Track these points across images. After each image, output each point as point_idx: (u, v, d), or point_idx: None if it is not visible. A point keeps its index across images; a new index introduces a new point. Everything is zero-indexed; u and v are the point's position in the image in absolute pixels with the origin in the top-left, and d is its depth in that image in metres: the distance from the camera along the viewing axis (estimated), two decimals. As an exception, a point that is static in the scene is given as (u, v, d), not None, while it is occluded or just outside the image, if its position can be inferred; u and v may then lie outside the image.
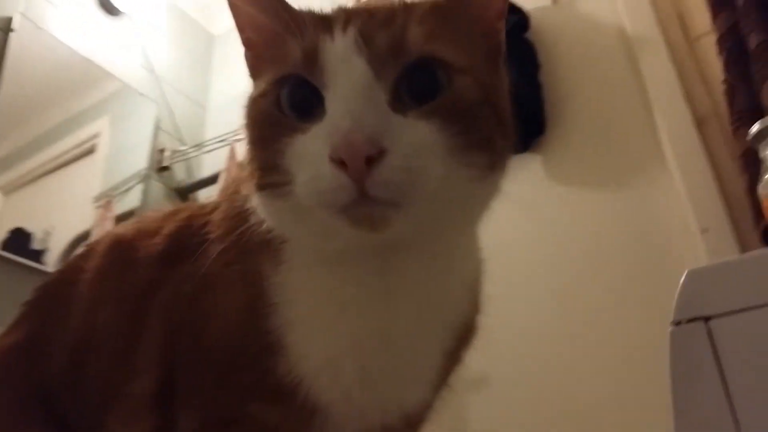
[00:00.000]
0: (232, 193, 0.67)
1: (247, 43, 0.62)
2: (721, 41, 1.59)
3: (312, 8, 0.59)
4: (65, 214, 2.19)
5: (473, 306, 0.65)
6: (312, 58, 0.52)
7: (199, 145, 2.62)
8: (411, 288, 0.58)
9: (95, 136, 2.33)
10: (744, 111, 1.48)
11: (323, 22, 0.54)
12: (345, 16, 0.54)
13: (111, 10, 2.47)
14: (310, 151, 0.49)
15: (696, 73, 1.73)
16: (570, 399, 1.60)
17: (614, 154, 1.80)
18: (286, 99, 0.53)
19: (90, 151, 2.30)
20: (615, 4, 1.93)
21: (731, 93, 1.53)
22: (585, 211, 1.75)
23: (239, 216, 0.60)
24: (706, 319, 0.92)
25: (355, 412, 0.59)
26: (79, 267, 0.76)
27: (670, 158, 1.68)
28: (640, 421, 1.43)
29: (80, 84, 2.33)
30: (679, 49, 1.77)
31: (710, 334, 0.91)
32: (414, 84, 0.51)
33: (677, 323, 0.95)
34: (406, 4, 0.56)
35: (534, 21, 2.01)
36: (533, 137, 1.88)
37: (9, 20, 2.07)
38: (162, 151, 2.55)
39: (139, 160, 2.45)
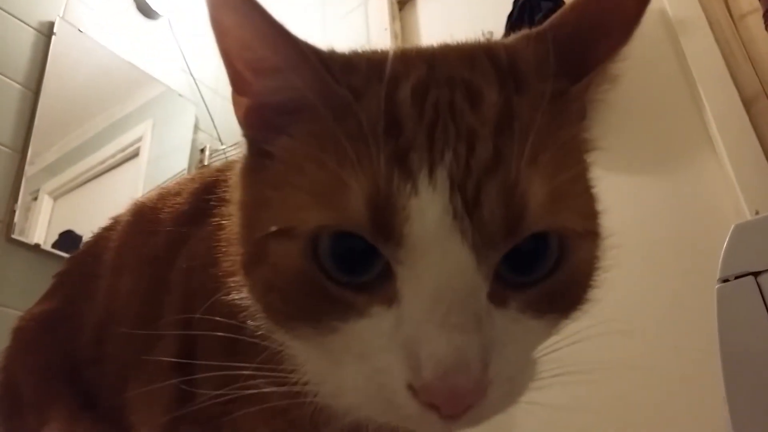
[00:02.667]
0: None
1: (240, 87, 0.43)
2: (768, 16, 1.55)
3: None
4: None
5: None
6: (383, 219, 0.35)
7: (237, 144, 2.65)
8: None
9: (139, 139, 2.37)
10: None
11: (394, 150, 0.35)
12: (426, 145, 0.36)
13: (149, 13, 2.51)
14: (376, 361, 0.36)
15: (742, 53, 1.69)
16: (616, 382, 1.58)
17: (660, 139, 1.77)
18: (327, 253, 0.37)
19: (134, 155, 2.34)
20: (654, -15, 1.89)
21: (780, 70, 1.49)
22: (631, 198, 1.72)
23: None
24: (756, 274, 0.90)
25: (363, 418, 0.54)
26: (105, 238, 0.77)
27: (718, 140, 1.64)
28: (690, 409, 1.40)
29: (122, 88, 2.37)
30: (723, 29, 1.73)
31: (761, 290, 0.89)
32: (520, 261, 0.37)
33: (724, 280, 0.93)
34: (511, 109, 0.38)
35: (571, 7, 1.98)
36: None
37: (51, 25, 2.11)
38: (202, 150, 2.60)
39: (180, 160, 2.49)
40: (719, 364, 0.87)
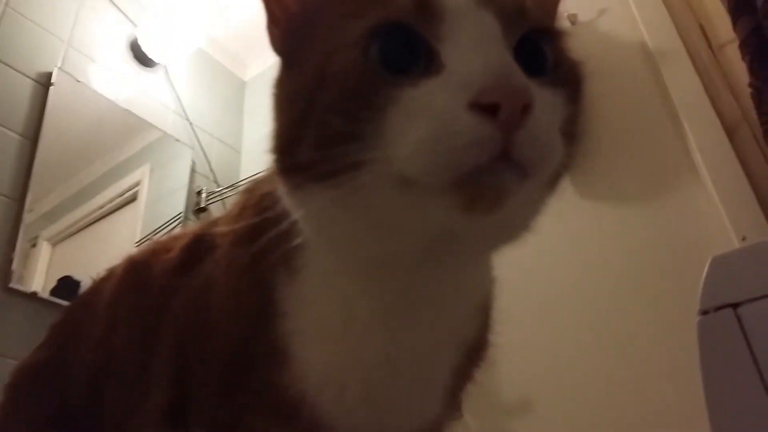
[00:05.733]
0: (245, 191, 0.65)
1: (274, 15, 0.53)
2: (744, 45, 1.57)
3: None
4: (110, 261, 2.24)
5: (483, 324, 0.62)
6: (425, 4, 0.44)
7: (233, 186, 2.69)
8: (425, 305, 0.55)
9: (137, 184, 2.40)
10: (772, 113, 1.46)
11: None
12: None
13: (145, 61, 2.56)
14: (433, 104, 0.41)
15: (722, 81, 1.72)
16: (614, 416, 1.57)
17: (645, 168, 1.78)
18: (377, 54, 0.43)
19: (132, 199, 2.37)
20: (635, 20, 1.93)
21: (758, 96, 1.51)
22: (618, 227, 1.74)
23: (254, 213, 0.56)
24: (734, 306, 0.89)
25: (358, 429, 0.57)
26: (99, 290, 0.79)
27: (702, 168, 1.66)
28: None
29: (120, 134, 2.41)
30: (702, 59, 1.77)
31: (740, 321, 0.88)
32: (526, 56, 0.45)
33: (704, 312, 0.93)
34: None
35: (555, 43, 2.03)
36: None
37: (49, 75, 2.15)
38: (199, 192, 2.63)
39: (178, 203, 2.51)
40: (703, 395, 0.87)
